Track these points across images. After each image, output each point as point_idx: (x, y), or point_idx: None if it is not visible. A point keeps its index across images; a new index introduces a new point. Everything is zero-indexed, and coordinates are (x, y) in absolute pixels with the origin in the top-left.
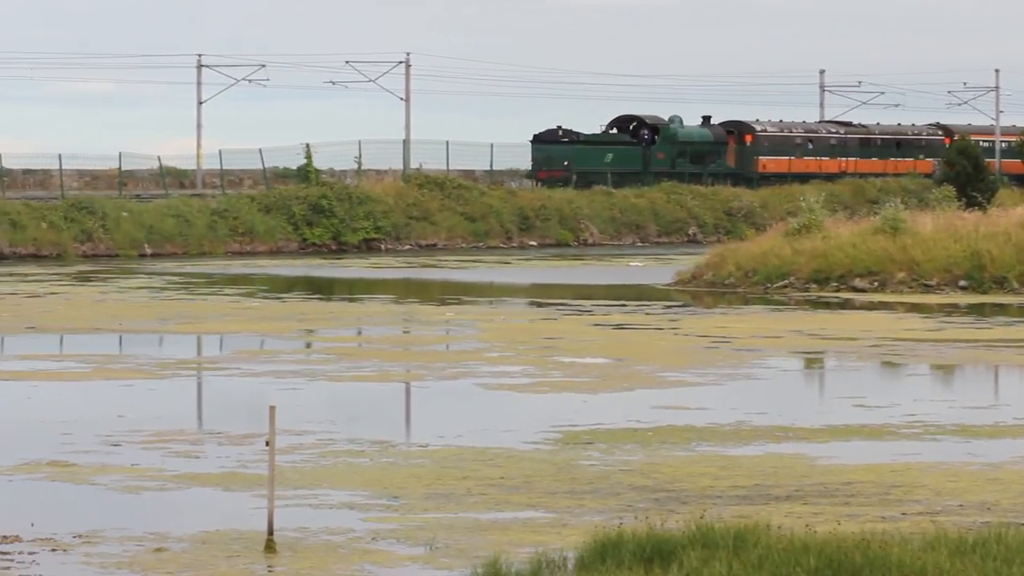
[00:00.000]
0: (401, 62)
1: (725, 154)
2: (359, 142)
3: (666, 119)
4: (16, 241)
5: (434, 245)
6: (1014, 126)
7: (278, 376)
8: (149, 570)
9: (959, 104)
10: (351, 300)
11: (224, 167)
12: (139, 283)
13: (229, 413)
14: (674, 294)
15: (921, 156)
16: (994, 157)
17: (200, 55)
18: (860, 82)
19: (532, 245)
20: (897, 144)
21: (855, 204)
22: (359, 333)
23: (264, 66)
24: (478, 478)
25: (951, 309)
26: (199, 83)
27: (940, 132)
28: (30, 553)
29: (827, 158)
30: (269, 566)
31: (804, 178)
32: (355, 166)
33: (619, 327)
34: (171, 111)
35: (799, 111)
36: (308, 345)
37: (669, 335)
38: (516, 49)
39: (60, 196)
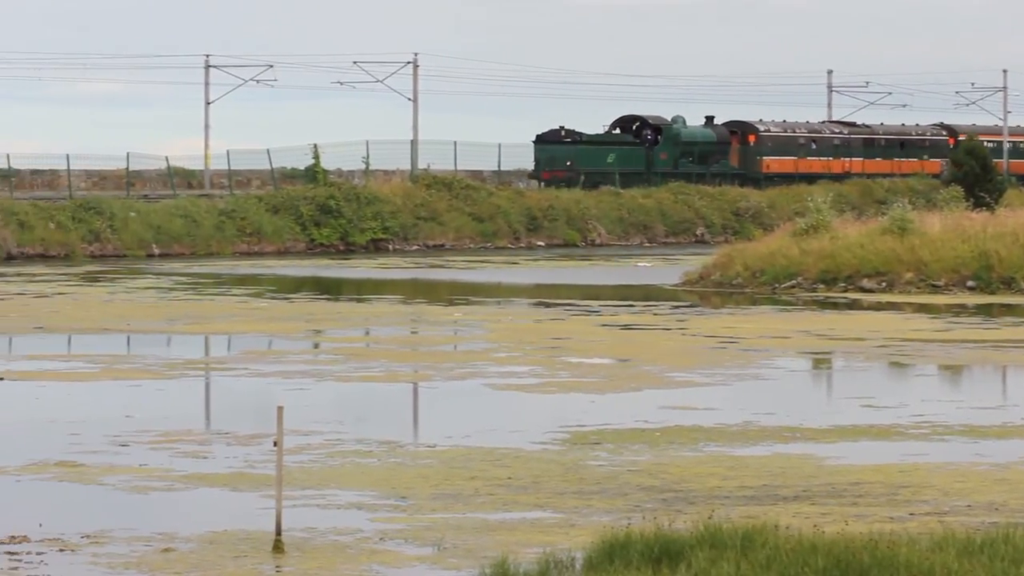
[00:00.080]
0: (409, 62)
1: (728, 154)
2: (367, 142)
3: (669, 119)
4: (24, 241)
5: (442, 245)
6: (1019, 126)
7: (286, 376)
8: (157, 570)
9: (967, 104)
10: (359, 300)
11: (232, 167)
12: (147, 283)
13: (237, 413)
14: (682, 294)
15: (925, 156)
16: (999, 157)
17: (208, 55)
18: (868, 82)
19: (540, 245)
20: (901, 144)
21: (863, 204)
22: (367, 333)
23: (272, 66)
24: (486, 478)
25: (959, 309)
26: (207, 83)
27: (944, 132)
28: (38, 553)
29: (831, 158)
30: (277, 566)
31: (808, 178)
32: (363, 166)
33: (627, 327)
34: (179, 111)
35: (806, 111)
36: (316, 345)
37: (677, 335)
38: (519, 49)
39: (68, 196)
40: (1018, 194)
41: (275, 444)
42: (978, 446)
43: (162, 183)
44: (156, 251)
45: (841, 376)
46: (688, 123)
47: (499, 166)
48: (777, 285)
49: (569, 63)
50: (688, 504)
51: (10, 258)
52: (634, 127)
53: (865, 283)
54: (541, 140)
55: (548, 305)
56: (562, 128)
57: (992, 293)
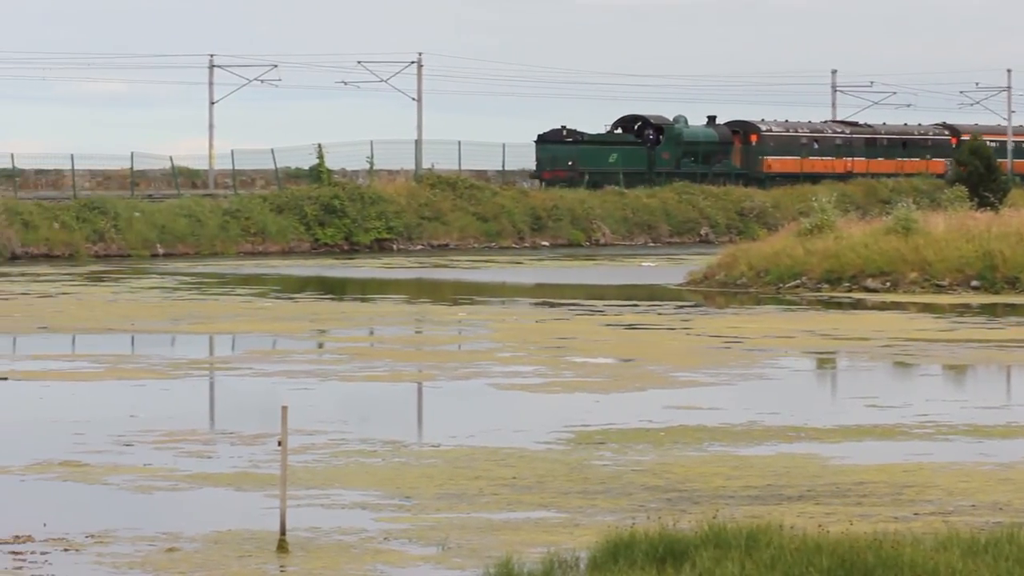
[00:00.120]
0: (413, 62)
1: (730, 154)
2: (371, 142)
3: (671, 119)
4: (28, 241)
5: (446, 245)
6: (1022, 126)
7: (290, 376)
8: (161, 570)
9: (971, 104)
10: (363, 300)
11: (236, 167)
12: (151, 283)
13: (241, 413)
14: (686, 294)
15: (927, 156)
16: (1001, 157)
17: (212, 55)
18: (872, 82)
19: (544, 245)
20: (903, 144)
21: (867, 204)
22: (371, 333)
23: (276, 66)
24: (490, 478)
25: (963, 309)
26: (211, 83)
27: (946, 132)
28: (42, 553)
29: (833, 158)
30: (281, 566)
31: (810, 178)
32: (367, 166)
33: (631, 327)
34: (183, 111)
35: (811, 111)
36: (320, 345)
37: (681, 335)
38: (524, 49)
39: (72, 196)
40: (1022, 194)
41: (279, 444)
42: (982, 446)
43: (166, 183)
44: (160, 251)
45: (845, 376)
46: (690, 123)
47: (503, 166)
48: (781, 285)
49: (571, 63)
50: (692, 504)
51: (14, 258)
52: (636, 127)
53: (869, 283)
54: (543, 140)
55: (552, 305)
56: (564, 128)
57: (996, 293)
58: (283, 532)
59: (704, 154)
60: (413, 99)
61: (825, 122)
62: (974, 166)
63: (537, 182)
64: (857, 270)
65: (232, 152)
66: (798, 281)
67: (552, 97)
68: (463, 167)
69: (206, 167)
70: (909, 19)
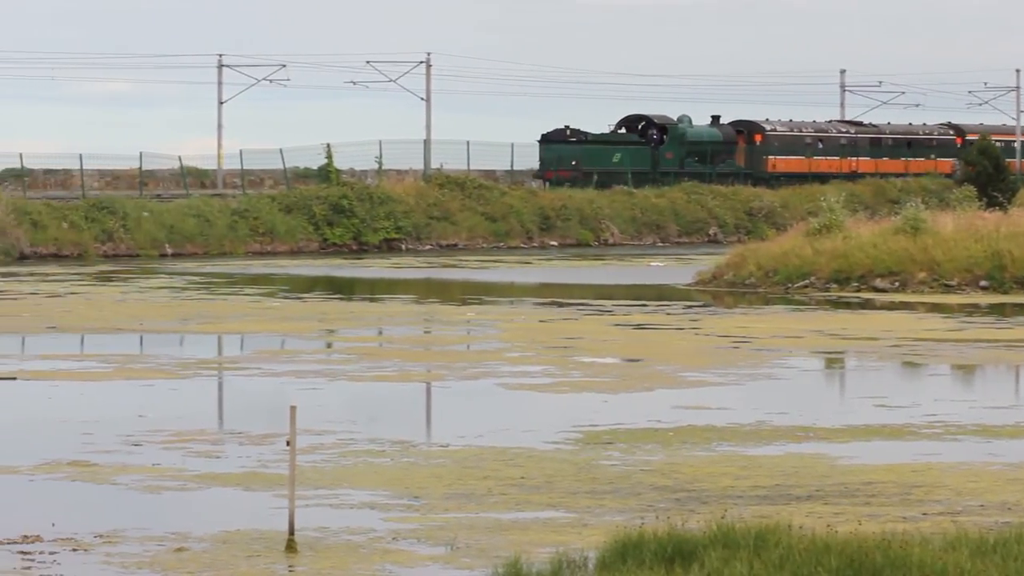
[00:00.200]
0: (422, 62)
1: (734, 154)
2: (380, 142)
3: (675, 119)
4: (37, 241)
5: (455, 245)
6: None
7: (299, 376)
8: (170, 570)
9: (980, 104)
10: (372, 300)
11: (244, 167)
12: (160, 283)
13: (250, 413)
14: (695, 294)
15: (932, 156)
16: (1008, 156)
17: (220, 55)
18: (881, 82)
19: (553, 245)
20: (908, 144)
21: (875, 204)
22: (380, 333)
23: (284, 66)
24: (499, 478)
25: (972, 309)
26: (219, 83)
27: (952, 132)
28: (51, 553)
29: (837, 157)
30: (290, 566)
31: (814, 178)
32: (376, 166)
33: (639, 327)
34: (192, 111)
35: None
36: (329, 345)
37: (690, 335)
38: (532, 49)
39: (81, 196)
40: None
41: (288, 444)
42: (991, 446)
43: (175, 183)
44: (169, 251)
45: (854, 376)
46: (694, 122)
47: (512, 166)
48: (790, 285)
49: (575, 63)
50: (701, 504)
51: (23, 258)
52: (640, 126)
53: (878, 283)
54: (546, 140)
55: (561, 305)
56: (567, 128)
57: (1005, 293)
58: (292, 532)
59: (708, 154)
60: (422, 99)
61: (830, 122)
62: (983, 166)
63: (541, 182)
64: (866, 270)
65: (241, 152)
66: (807, 281)
67: (556, 97)
68: (472, 167)
69: (215, 167)
70: (916, 19)
